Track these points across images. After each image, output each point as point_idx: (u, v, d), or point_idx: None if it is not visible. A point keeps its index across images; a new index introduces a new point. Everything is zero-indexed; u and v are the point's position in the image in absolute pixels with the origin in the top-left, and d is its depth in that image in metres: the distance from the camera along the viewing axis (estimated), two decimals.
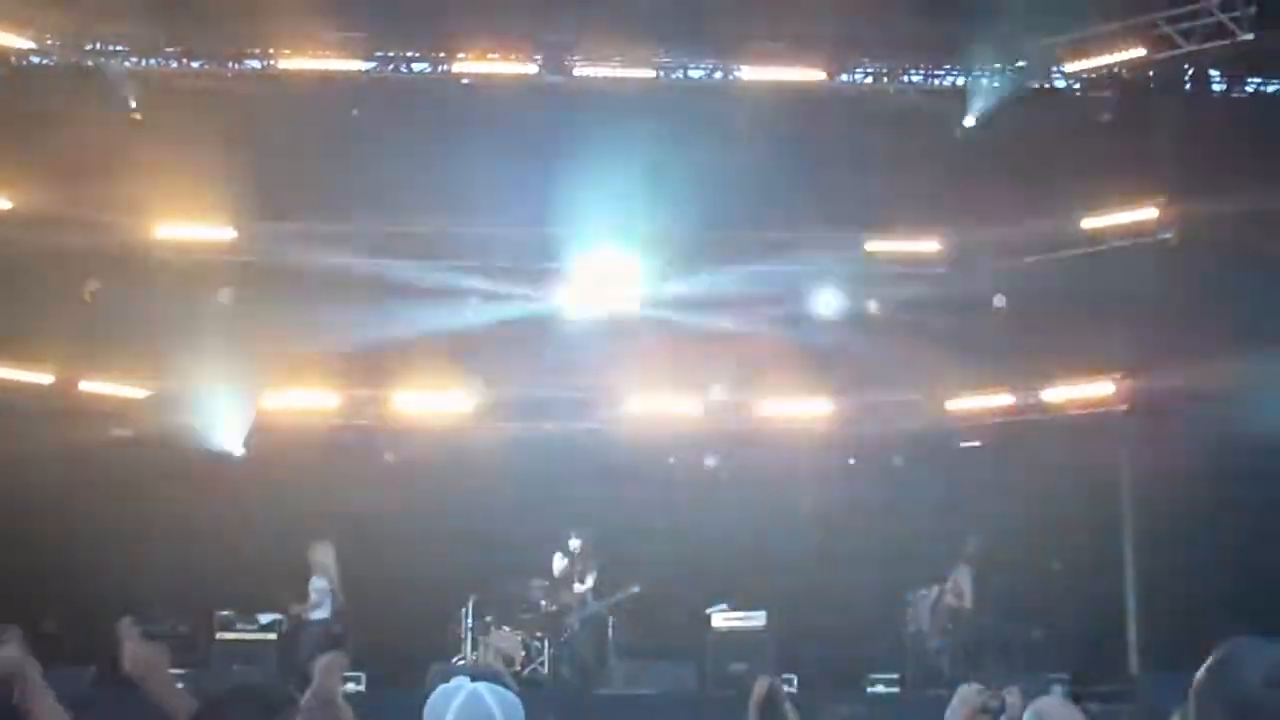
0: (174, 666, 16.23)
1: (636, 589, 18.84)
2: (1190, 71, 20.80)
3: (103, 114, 20.04)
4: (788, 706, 10.23)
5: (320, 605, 18.38)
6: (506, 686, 4.24)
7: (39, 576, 18.12)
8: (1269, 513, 18.29)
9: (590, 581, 19.03)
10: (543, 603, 18.81)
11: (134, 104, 20.38)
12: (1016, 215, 21.10)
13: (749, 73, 20.78)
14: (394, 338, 20.95)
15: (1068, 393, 21.27)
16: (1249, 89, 21.53)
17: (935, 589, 19.29)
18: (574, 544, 19.07)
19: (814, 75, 20.81)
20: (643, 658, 18.99)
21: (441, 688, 4.21)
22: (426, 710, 4.17)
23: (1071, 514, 19.89)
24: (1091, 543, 20.42)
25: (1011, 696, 8.07)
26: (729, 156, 20.25)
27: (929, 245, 21.88)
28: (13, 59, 20.19)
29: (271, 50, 20.57)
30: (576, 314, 21.51)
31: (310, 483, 20.17)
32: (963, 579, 19.13)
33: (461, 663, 17.81)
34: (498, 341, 21.16)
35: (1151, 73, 20.54)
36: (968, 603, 18.99)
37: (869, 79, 21.71)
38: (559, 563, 19.15)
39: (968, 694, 6.74)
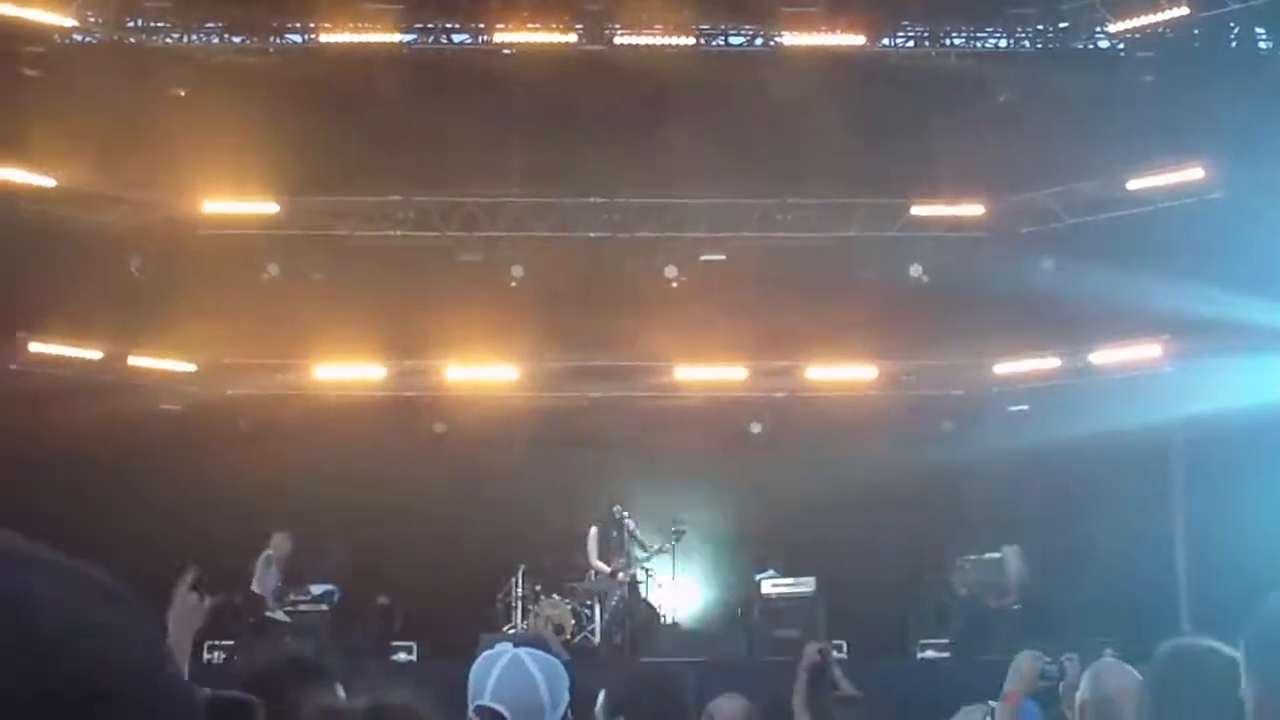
0: (224, 637, 16.51)
1: (674, 538, 18.81)
2: (1235, 30, 20.62)
3: (146, 91, 20.17)
4: (838, 673, 10.23)
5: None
6: (551, 652, 4.27)
7: (89, 551, 18.17)
8: None
9: (636, 549, 19.04)
10: (591, 571, 18.81)
11: (177, 80, 20.55)
12: (1061, 177, 21.01)
13: (789, 39, 20.74)
14: (440, 309, 21.00)
15: (1115, 355, 21.17)
16: None
17: (987, 555, 19.13)
18: (617, 509, 19.06)
19: (855, 40, 20.75)
20: (691, 625, 19.01)
21: (485, 654, 4.24)
22: (471, 675, 4.21)
23: (1121, 476, 19.78)
24: (1141, 505, 20.29)
25: (1070, 663, 8.03)
26: (771, 123, 20.22)
27: (973, 209, 21.76)
28: (56, 37, 20.30)
29: (312, 24, 20.68)
30: (621, 281, 21.55)
31: (358, 455, 20.24)
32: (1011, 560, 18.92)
33: (512, 631, 17.89)
34: (543, 311, 21.20)
35: (1196, 31, 20.37)
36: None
37: (910, 43, 21.67)
38: (605, 531, 19.15)
39: (1026, 660, 6.71)
